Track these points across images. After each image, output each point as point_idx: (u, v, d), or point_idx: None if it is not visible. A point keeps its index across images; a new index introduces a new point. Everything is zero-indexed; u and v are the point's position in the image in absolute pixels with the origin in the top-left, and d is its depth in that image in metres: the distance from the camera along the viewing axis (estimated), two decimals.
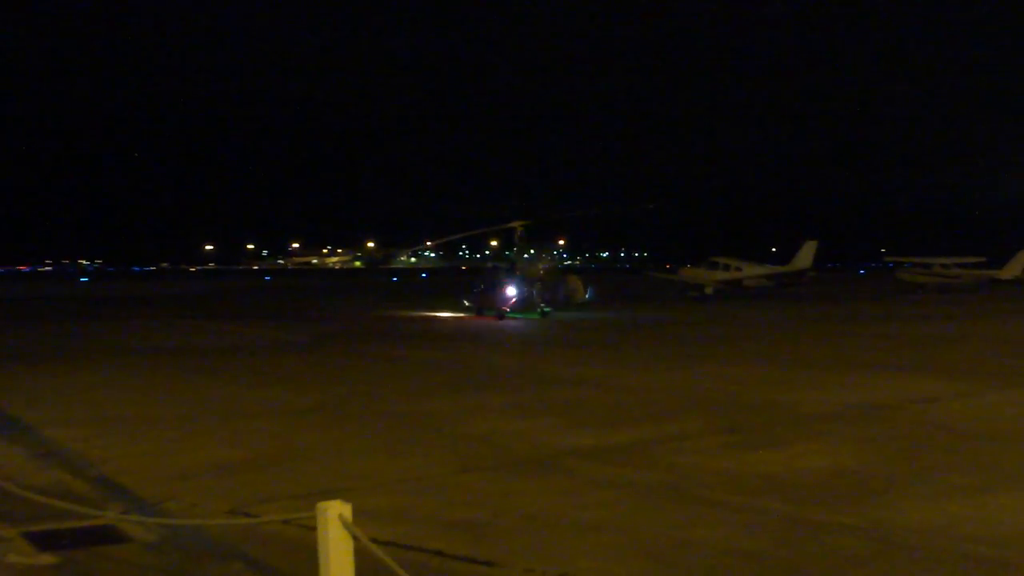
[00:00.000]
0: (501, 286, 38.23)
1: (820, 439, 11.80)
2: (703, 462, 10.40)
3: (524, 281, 38.20)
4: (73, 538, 7.64)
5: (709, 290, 56.01)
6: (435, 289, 68.07)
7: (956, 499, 8.68)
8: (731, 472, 9.90)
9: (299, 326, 34.45)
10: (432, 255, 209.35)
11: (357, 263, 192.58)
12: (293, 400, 15.64)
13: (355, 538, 5.08)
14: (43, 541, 7.55)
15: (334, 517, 5.06)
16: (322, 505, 5.14)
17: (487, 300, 38.37)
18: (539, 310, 37.73)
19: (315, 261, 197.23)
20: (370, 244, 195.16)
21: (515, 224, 40.61)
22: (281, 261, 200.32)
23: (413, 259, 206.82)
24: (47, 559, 7.15)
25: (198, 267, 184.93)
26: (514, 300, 37.50)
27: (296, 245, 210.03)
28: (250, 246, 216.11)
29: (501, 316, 36.75)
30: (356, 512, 5.30)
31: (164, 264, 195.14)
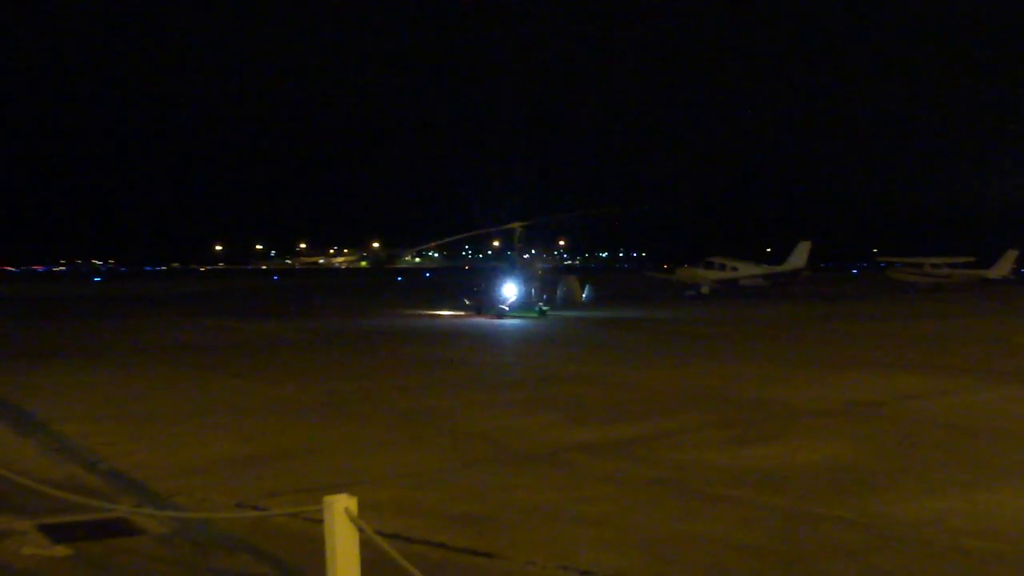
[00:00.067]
0: (500, 286, 38.27)
1: (816, 435, 11.78)
2: (702, 457, 10.39)
3: (523, 281, 38.22)
4: (87, 530, 7.64)
5: (706, 289, 56.01)
6: (438, 288, 68.06)
7: (948, 493, 8.67)
8: (729, 467, 9.88)
9: (306, 324, 34.45)
10: (436, 255, 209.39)
11: (363, 263, 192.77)
12: (299, 396, 15.64)
13: (360, 531, 5.07)
14: (58, 533, 7.55)
15: (340, 510, 5.05)
16: (328, 499, 5.13)
17: (487, 300, 38.38)
18: (538, 309, 37.75)
19: (322, 261, 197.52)
20: (375, 244, 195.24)
21: (514, 225, 40.62)
22: (289, 261, 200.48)
23: (417, 259, 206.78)
24: (62, 551, 7.15)
25: (208, 267, 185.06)
26: (513, 300, 37.53)
27: (304, 245, 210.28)
28: (259, 246, 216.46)
29: (500, 315, 36.75)
30: (361, 505, 5.29)
31: (175, 264, 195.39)
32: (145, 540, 7.48)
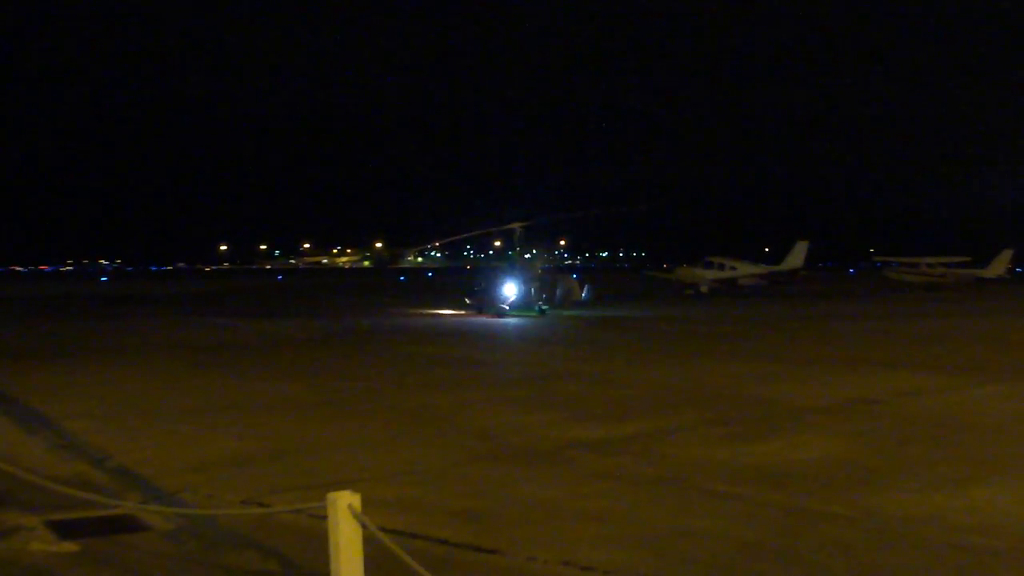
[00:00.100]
0: (501, 285, 38.30)
1: (814, 432, 11.78)
2: (701, 454, 10.38)
3: (523, 280, 38.25)
4: (94, 527, 7.64)
5: (705, 289, 56.04)
6: (440, 288, 68.09)
7: (944, 489, 8.66)
8: (728, 463, 9.88)
9: (310, 323, 34.44)
10: (438, 255, 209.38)
11: (366, 263, 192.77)
12: (304, 394, 15.64)
13: (364, 527, 5.07)
14: (65, 529, 7.55)
15: (344, 507, 5.05)
16: (332, 495, 5.13)
17: (487, 299, 38.40)
18: (537, 308, 37.79)
19: (325, 261, 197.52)
20: (378, 244, 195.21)
21: (514, 225, 40.63)
22: (293, 261, 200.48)
23: (420, 259, 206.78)
24: (69, 547, 7.15)
25: (213, 267, 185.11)
26: (513, 299, 37.57)
27: (307, 245, 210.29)
28: (263, 246, 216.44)
29: (501, 314, 36.77)
30: (365, 502, 5.29)
31: (180, 264, 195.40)
32: (152, 536, 7.48)
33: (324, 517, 5.22)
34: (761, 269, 60.26)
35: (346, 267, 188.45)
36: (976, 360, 20.47)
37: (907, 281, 65.29)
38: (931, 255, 68.43)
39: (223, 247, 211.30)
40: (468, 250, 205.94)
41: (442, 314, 39.01)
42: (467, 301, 40.34)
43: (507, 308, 37.17)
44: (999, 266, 66.94)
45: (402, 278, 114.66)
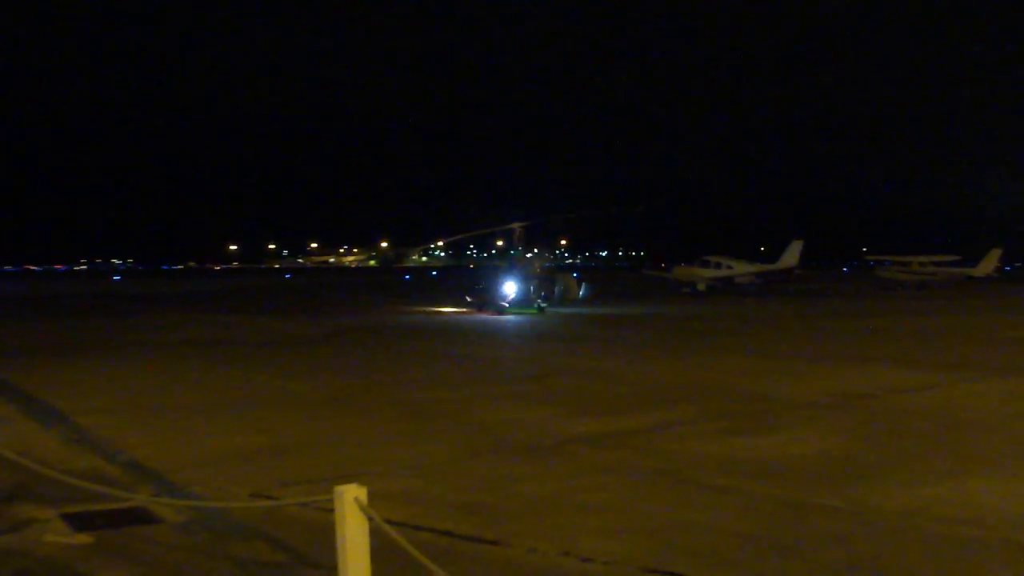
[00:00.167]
0: (501, 284, 38.34)
1: (808, 426, 11.77)
2: (698, 448, 10.38)
3: (522, 279, 38.29)
4: (107, 519, 7.65)
5: (702, 287, 56.05)
6: (443, 286, 68.07)
7: (935, 482, 8.66)
8: (724, 457, 9.87)
9: (317, 321, 34.46)
10: (441, 254, 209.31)
11: (372, 262, 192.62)
12: (311, 390, 15.64)
13: (370, 519, 5.07)
14: (79, 521, 7.55)
15: (350, 500, 5.05)
16: (339, 488, 5.12)
17: (488, 297, 38.44)
18: (536, 306, 37.81)
19: (332, 260, 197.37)
20: (384, 244, 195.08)
21: (514, 226, 40.65)
22: (300, 260, 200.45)
23: (424, 258, 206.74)
24: (83, 538, 7.15)
25: (223, 266, 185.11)
26: (513, 297, 37.60)
27: (314, 245, 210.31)
28: (271, 246, 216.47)
29: (501, 312, 36.80)
30: (371, 495, 5.29)
31: (191, 263, 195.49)
32: (163, 528, 7.49)
33: (331, 510, 5.22)
34: (757, 268, 60.20)
35: (352, 266, 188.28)
36: (966, 357, 20.46)
37: (899, 280, 65.22)
38: (922, 254, 68.37)
39: (233, 247, 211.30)
40: (471, 249, 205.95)
41: (444, 312, 39.00)
42: (468, 299, 40.36)
43: (507, 306, 37.21)
44: (988, 265, 66.90)
45: (407, 277, 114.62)
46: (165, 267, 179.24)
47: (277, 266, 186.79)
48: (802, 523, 7.38)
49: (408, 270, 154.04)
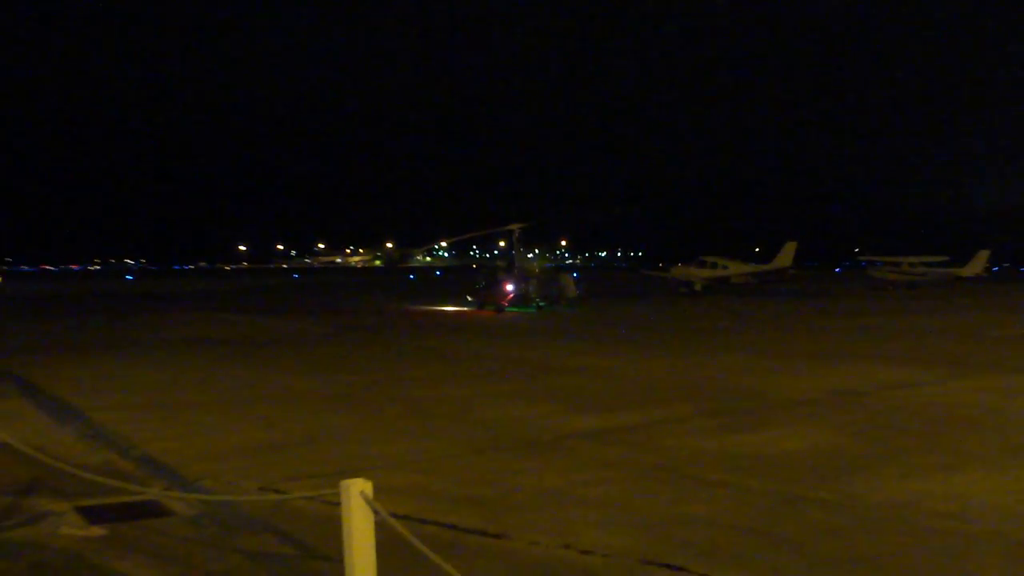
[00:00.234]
0: (500, 283, 38.38)
1: (801, 422, 11.76)
2: (695, 444, 10.37)
3: (521, 279, 38.32)
4: (120, 512, 7.65)
5: (698, 287, 55.97)
6: (446, 286, 68.04)
7: (925, 477, 8.65)
8: (721, 453, 9.87)
9: (324, 319, 34.46)
10: (445, 254, 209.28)
11: (377, 262, 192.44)
12: (318, 387, 15.63)
13: (376, 513, 5.06)
14: (93, 515, 7.56)
15: (356, 494, 5.04)
16: (345, 483, 5.12)
17: (488, 296, 38.48)
18: (534, 305, 37.83)
19: (339, 260, 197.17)
20: (389, 244, 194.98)
21: (513, 227, 40.66)
22: (308, 260, 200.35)
23: (428, 258, 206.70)
24: (97, 531, 7.16)
25: (232, 266, 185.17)
26: (512, 296, 37.63)
27: (321, 245, 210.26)
28: (280, 246, 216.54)
29: (500, 310, 36.83)
30: (376, 489, 5.28)
31: (202, 263, 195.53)
32: (175, 521, 7.49)
33: (338, 503, 5.22)
34: (752, 268, 60.12)
35: (358, 266, 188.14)
36: (955, 355, 20.44)
37: (890, 280, 65.14)
38: (913, 255, 68.31)
39: (242, 247, 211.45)
40: (474, 250, 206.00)
41: (446, 310, 39.01)
42: (469, 299, 40.38)
43: (506, 304, 37.25)
44: (976, 265, 66.82)
45: (411, 276, 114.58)
46: (176, 267, 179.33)
47: (285, 266, 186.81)
48: (796, 516, 7.38)
49: (412, 270, 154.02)
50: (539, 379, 16.57)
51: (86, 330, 29.74)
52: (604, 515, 7.46)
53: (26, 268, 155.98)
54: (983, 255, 67.07)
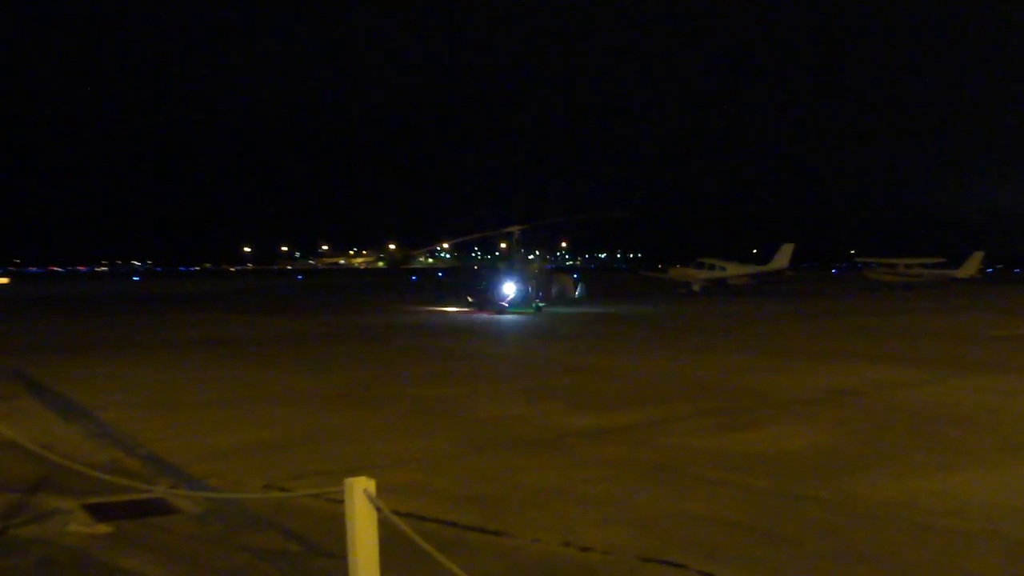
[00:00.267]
0: (500, 284, 38.38)
1: (798, 421, 11.75)
2: (693, 442, 10.37)
3: (521, 280, 38.31)
4: (127, 510, 7.65)
5: (697, 288, 55.98)
6: (447, 286, 68.00)
7: (920, 475, 8.65)
8: (718, 451, 9.86)
9: (327, 320, 34.47)
10: (447, 256, 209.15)
11: (380, 263, 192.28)
12: (321, 386, 15.64)
13: (379, 510, 5.06)
14: (100, 512, 7.56)
15: (360, 491, 5.04)
16: (349, 480, 5.12)
17: (488, 297, 38.48)
18: (534, 306, 37.83)
19: (342, 262, 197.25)
20: (392, 246, 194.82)
21: (512, 229, 40.66)
22: (311, 262, 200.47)
23: (430, 259, 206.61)
24: (104, 528, 7.16)
25: (237, 267, 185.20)
26: (512, 297, 37.63)
27: (325, 247, 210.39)
28: (283, 248, 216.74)
29: (500, 311, 36.84)
30: (379, 487, 5.28)
31: (207, 264, 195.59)
32: (181, 519, 7.49)
33: (341, 501, 5.22)
34: (749, 269, 60.15)
35: (361, 267, 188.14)
36: (951, 355, 20.42)
37: (885, 281, 65.14)
38: (908, 256, 68.31)
39: (246, 249, 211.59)
40: (475, 251, 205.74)
41: (447, 311, 39.01)
42: (469, 299, 40.40)
43: (506, 306, 37.26)
44: (971, 267, 66.86)
45: (413, 278, 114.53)
46: (182, 268, 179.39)
47: (289, 267, 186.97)
48: (793, 514, 7.37)
49: (415, 271, 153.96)
50: (539, 378, 16.57)
51: (93, 330, 29.75)
52: (604, 513, 7.46)
53: (34, 269, 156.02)
54: (977, 257, 67.12)
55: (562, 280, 41.67)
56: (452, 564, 4.75)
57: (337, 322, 33.04)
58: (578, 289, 41.80)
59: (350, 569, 5.03)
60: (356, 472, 5.80)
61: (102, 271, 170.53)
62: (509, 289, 37.81)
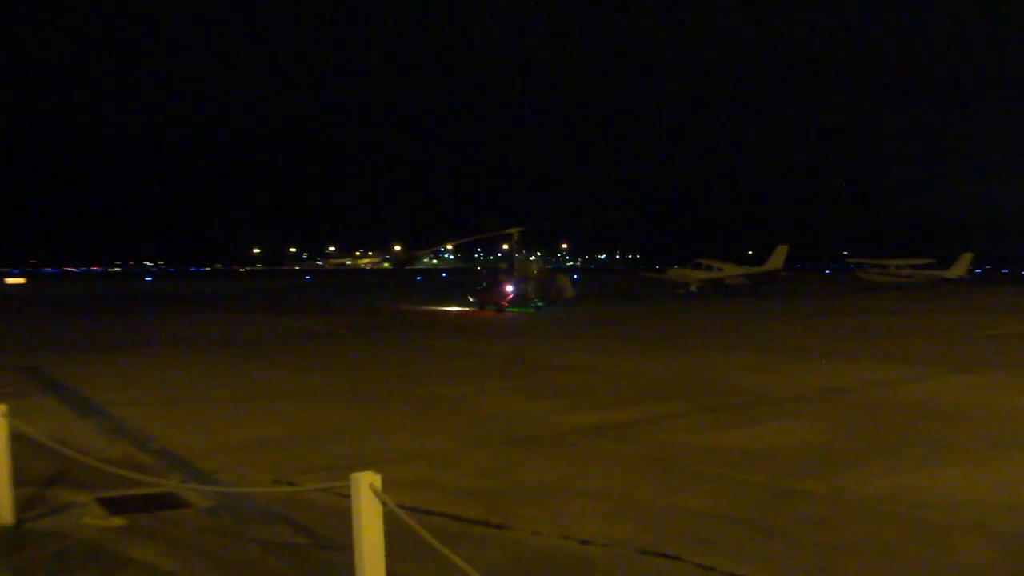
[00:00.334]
0: (500, 284, 38.40)
1: (793, 418, 11.74)
2: (690, 439, 10.36)
3: (520, 280, 38.32)
4: (140, 503, 7.67)
5: (694, 288, 55.95)
6: (450, 287, 68.02)
7: (911, 470, 8.64)
8: (713, 447, 9.86)
9: (334, 319, 34.46)
10: (451, 256, 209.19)
11: (386, 264, 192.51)
12: (328, 384, 15.64)
13: (384, 504, 5.06)
14: (114, 506, 7.57)
15: (366, 486, 5.04)
16: (355, 475, 5.12)
17: (488, 296, 38.49)
18: (533, 305, 37.84)
19: (349, 262, 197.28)
20: (397, 247, 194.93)
21: (512, 230, 40.69)
22: (319, 262, 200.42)
23: (435, 260, 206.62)
24: (117, 521, 7.17)
25: (247, 268, 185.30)
26: (511, 296, 37.64)
27: (332, 248, 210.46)
28: (292, 249, 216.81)
29: (500, 310, 36.86)
30: (385, 482, 5.28)
31: (217, 265, 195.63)
32: (191, 512, 7.50)
33: (347, 495, 5.22)
34: (745, 270, 60.11)
35: (368, 268, 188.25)
36: (941, 353, 20.40)
37: (877, 281, 65.06)
38: (899, 258, 68.23)
39: (256, 250, 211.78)
40: (478, 252, 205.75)
41: (449, 310, 39.01)
42: (470, 299, 40.40)
43: (506, 304, 37.28)
44: (960, 268, 66.80)
45: (418, 278, 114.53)
46: (193, 269, 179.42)
47: (297, 268, 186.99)
48: (787, 508, 7.37)
49: (420, 271, 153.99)
50: (539, 376, 16.56)
51: (106, 329, 29.77)
52: (603, 507, 7.46)
53: (50, 270, 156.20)
54: (966, 258, 67.09)
55: (561, 280, 41.68)
56: (456, 557, 4.75)
57: (344, 321, 33.04)
58: (575, 289, 41.78)
59: (356, 561, 5.03)
60: (362, 467, 5.80)
61: (116, 271, 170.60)
62: (509, 289, 37.83)
